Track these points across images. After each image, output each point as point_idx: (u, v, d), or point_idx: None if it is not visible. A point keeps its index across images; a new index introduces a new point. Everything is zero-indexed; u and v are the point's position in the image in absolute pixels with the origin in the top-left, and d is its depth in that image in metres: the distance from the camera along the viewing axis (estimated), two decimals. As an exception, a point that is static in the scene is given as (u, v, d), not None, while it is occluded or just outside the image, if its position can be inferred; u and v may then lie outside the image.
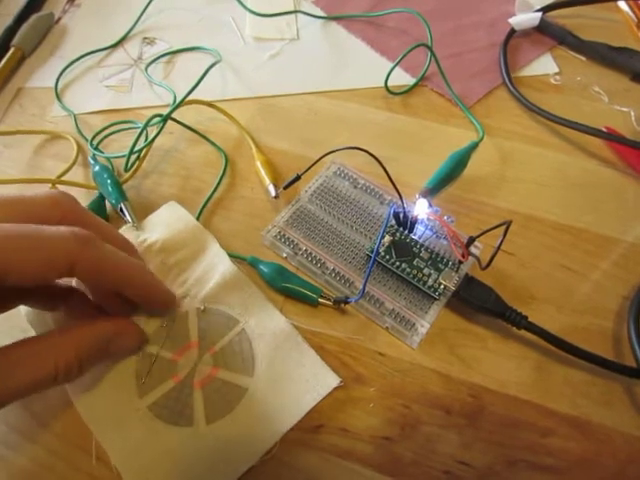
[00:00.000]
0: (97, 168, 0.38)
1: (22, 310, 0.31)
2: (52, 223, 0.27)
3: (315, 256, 0.34)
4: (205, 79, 0.40)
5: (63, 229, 0.25)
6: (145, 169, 0.40)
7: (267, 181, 0.37)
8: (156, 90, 0.46)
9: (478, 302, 0.31)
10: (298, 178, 0.36)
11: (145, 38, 0.50)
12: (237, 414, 0.29)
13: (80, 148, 0.41)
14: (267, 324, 0.32)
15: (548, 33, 0.49)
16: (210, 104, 0.42)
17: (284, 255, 0.35)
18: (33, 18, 0.51)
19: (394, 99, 0.45)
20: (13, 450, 0.28)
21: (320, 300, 0.32)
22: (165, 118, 0.38)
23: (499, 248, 0.29)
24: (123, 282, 0.27)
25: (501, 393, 0.30)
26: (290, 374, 0.30)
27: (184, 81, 0.45)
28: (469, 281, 0.32)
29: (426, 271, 0.33)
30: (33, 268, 0.24)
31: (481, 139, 0.41)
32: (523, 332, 0.31)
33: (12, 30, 0.50)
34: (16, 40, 0.49)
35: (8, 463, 0.28)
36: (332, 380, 0.30)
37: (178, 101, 0.39)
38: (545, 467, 0.28)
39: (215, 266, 0.33)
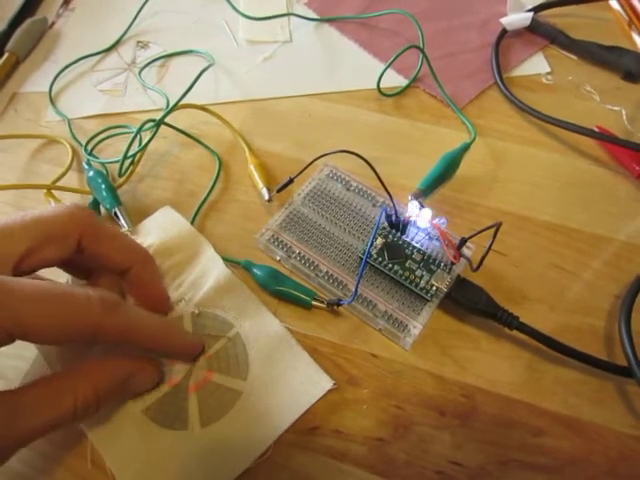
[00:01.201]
0: (91, 173, 0.38)
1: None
2: (71, 240, 0.27)
3: (308, 259, 0.35)
4: (198, 82, 0.40)
5: (92, 295, 0.25)
6: (139, 173, 0.40)
7: (260, 184, 0.38)
8: (150, 94, 0.46)
9: (470, 303, 0.32)
10: (291, 181, 0.36)
11: (139, 42, 0.51)
12: (231, 417, 0.29)
13: (75, 153, 0.41)
14: (261, 327, 0.32)
15: (540, 33, 0.49)
16: (203, 108, 0.42)
17: (278, 258, 0.35)
18: (27, 23, 0.51)
19: (387, 101, 0.45)
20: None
21: (313, 303, 0.33)
22: (158, 123, 0.39)
23: (489, 250, 0.29)
24: (147, 346, 0.28)
25: (493, 393, 0.30)
26: (284, 377, 0.30)
27: (178, 84, 0.45)
28: (461, 282, 0.33)
29: (418, 273, 0.33)
30: (54, 333, 0.24)
31: (473, 140, 0.41)
32: (515, 332, 0.31)
33: (6, 35, 0.50)
34: (10, 45, 0.49)
35: (3, 467, 0.28)
36: (325, 382, 0.30)
37: (171, 106, 0.39)
38: (537, 466, 0.28)
39: (209, 270, 0.34)
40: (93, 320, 0.24)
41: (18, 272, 0.25)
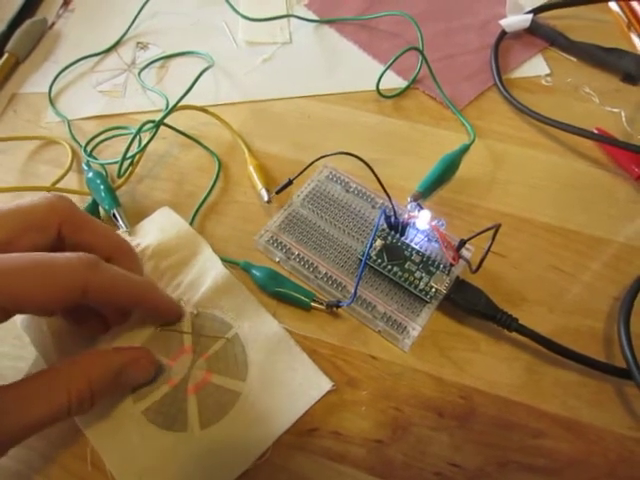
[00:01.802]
0: (90, 174, 0.38)
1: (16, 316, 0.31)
2: (51, 229, 0.27)
3: (308, 260, 0.35)
4: (198, 83, 0.40)
5: (70, 255, 0.25)
6: (139, 174, 0.40)
7: (259, 186, 0.38)
8: (149, 95, 0.46)
9: (469, 305, 0.32)
10: (290, 183, 0.36)
11: (139, 43, 0.51)
12: (231, 419, 0.29)
13: (74, 154, 0.41)
14: (260, 328, 0.32)
15: (539, 34, 0.49)
16: (202, 109, 0.42)
17: (277, 259, 0.35)
18: (27, 23, 0.51)
19: (386, 102, 0.45)
20: (8, 456, 0.28)
21: (313, 304, 0.33)
22: (158, 124, 0.39)
23: (488, 252, 0.30)
24: (134, 301, 0.28)
25: (492, 395, 0.30)
26: (283, 378, 0.30)
27: (177, 85, 0.45)
28: (460, 284, 0.33)
29: (418, 274, 0.33)
30: (45, 298, 0.24)
31: (472, 141, 0.41)
32: (514, 334, 0.31)
33: (6, 36, 0.50)
34: (10, 46, 0.49)
35: (3, 469, 0.28)
36: (325, 384, 0.30)
37: (170, 107, 0.39)
38: (536, 468, 0.28)
39: (207, 270, 0.34)
40: (79, 279, 0.25)
41: None
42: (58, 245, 0.28)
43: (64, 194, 0.29)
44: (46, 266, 0.24)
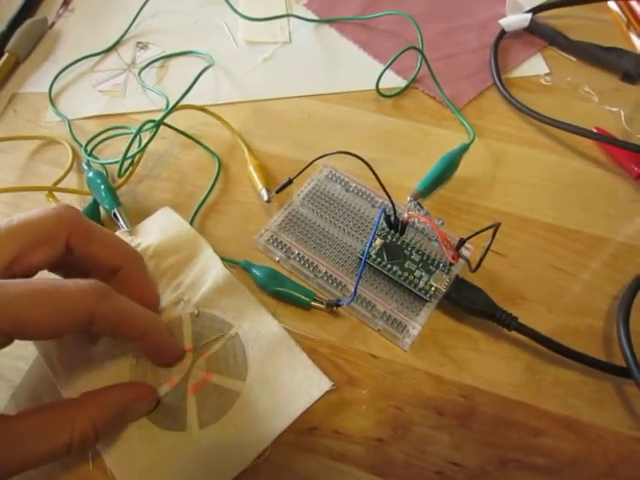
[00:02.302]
0: (91, 174, 0.38)
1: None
2: (60, 241, 0.27)
3: (308, 259, 0.35)
4: (198, 83, 0.40)
5: (81, 283, 0.25)
6: (139, 174, 0.40)
7: (259, 185, 0.38)
8: (149, 95, 0.46)
9: (469, 304, 0.32)
10: (290, 182, 0.36)
11: (138, 42, 0.51)
12: (230, 418, 0.29)
13: (75, 154, 0.41)
14: (260, 328, 0.32)
15: (538, 34, 0.49)
16: (202, 108, 0.42)
17: (277, 259, 0.35)
18: (27, 23, 0.51)
19: (386, 102, 0.45)
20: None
21: (313, 303, 0.33)
22: (158, 124, 0.39)
23: (487, 250, 0.30)
24: (137, 336, 0.28)
25: (492, 394, 0.30)
26: (283, 378, 0.30)
27: (177, 85, 0.45)
28: (460, 283, 0.33)
29: (417, 273, 0.33)
30: (51, 326, 0.24)
31: (472, 141, 0.41)
32: (514, 333, 0.31)
33: (6, 35, 0.50)
34: (10, 45, 0.49)
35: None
36: (324, 383, 0.30)
37: (170, 106, 0.39)
38: (537, 467, 0.28)
39: (208, 270, 0.34)
40: (87, 308, 0.24)
41: (9, 277, 0.25)
42: (67, 257, 0.28)
43: (63, 198, 0.29)
44: (56, 294, 0.24)
